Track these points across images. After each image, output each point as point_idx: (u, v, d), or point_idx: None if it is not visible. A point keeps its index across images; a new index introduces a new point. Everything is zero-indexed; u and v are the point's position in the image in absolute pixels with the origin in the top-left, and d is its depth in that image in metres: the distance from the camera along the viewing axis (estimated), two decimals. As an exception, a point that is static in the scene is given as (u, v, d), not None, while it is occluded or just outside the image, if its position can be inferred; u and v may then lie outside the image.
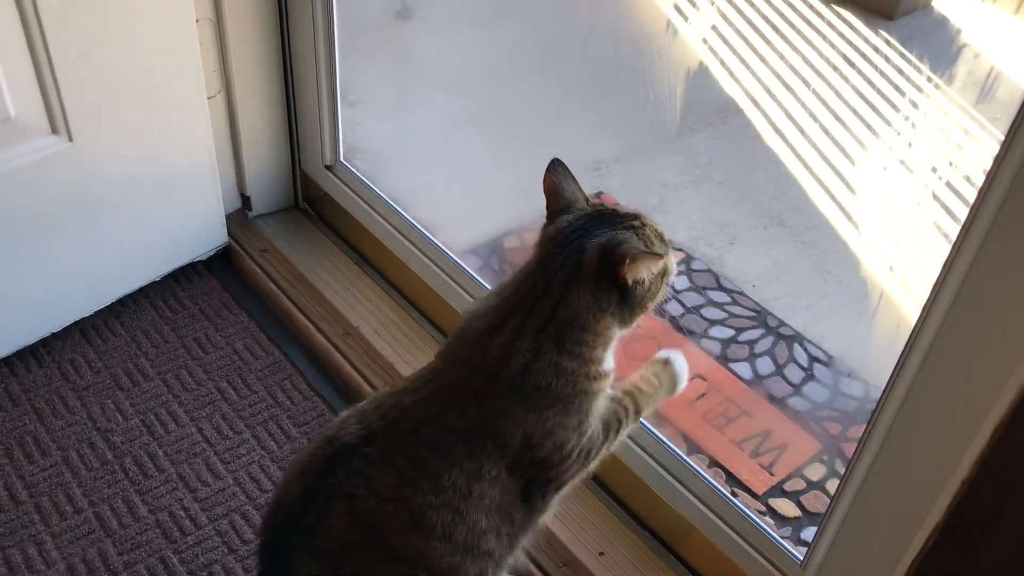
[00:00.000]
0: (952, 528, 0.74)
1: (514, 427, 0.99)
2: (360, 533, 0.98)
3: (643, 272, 0.98)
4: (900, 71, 2.68)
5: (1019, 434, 0.69)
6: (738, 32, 2.88)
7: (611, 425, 1.08)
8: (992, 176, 0.80)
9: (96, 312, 1.65)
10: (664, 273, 1.03)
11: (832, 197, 2.29)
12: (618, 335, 1.03)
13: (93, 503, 1.40)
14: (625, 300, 0.99)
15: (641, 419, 1.15)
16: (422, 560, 0.99)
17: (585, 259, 0.97)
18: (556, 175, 1.03)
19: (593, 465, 1.09)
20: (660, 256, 0.98)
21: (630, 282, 0.97)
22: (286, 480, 1.05)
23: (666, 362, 1.17)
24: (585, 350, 0.99)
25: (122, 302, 1.69)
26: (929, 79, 2.65)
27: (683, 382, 1.17)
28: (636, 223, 1.01)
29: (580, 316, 0.98)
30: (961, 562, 0.74)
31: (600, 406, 1.05)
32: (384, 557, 0.98)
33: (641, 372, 1.16)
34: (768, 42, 2.84)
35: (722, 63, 2.70)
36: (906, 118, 2.53)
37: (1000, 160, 0.80)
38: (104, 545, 1.35)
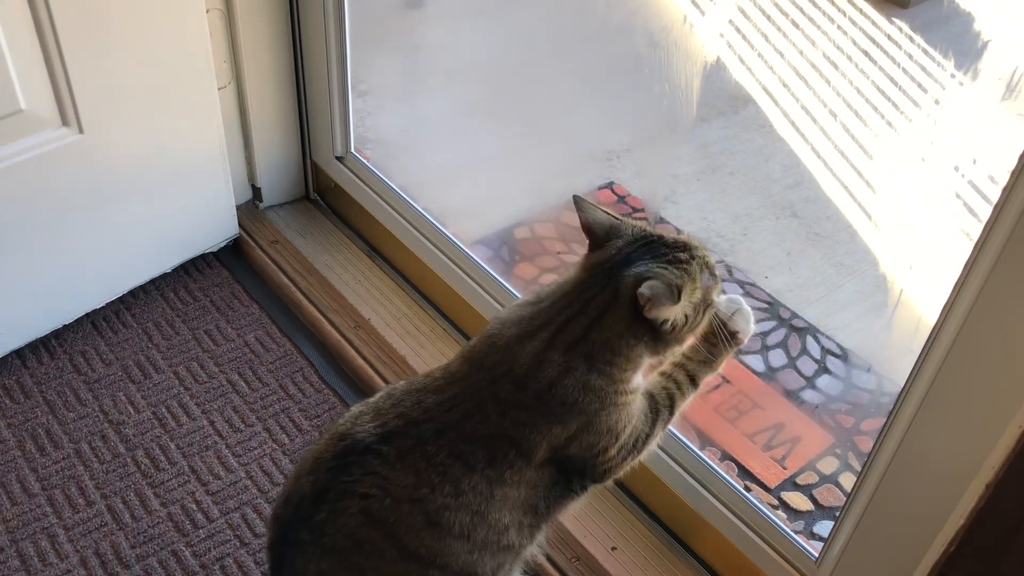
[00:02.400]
0: (975, 533, 0.73)
1: (538, 437, 0.99)
2: (373, 531, 0.97)
3: (665, 313, 0.96)
4: (912, 58, 2.65)
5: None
6: (754, 25, 2.85)
7: (661, 404, 1.07)
8: (1017, 174, 0.79)
9: (107, 304, 1.65)
10: (705, 306, 1.00)
11: (846, 188, 2.27)
12: (649, 362, 1.02)
13: (105, 496, 1.40)
14: (657, 334, 0.98)
15: (699, 387, 1.11)
16: (438, 559, 0.98)
17: (621, 289, 0.96)
18: (586, 214, 1.02)
19: (648, 449, 1.08)
20: (675, 303, 0.95)
21: (657, 321, 0.96)
22: (296, 475, 1.05)
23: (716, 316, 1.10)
24: (615, 371, 0.99)
25: (133, 294, 1.69)
26: (950, 72, 2.62)
27: (748, 331, 1.11)
28: (682, 255, 0.98)
29: (613, 342, 0.97)
30: (983, 568, 0.73)
31: (636, 407, 1.04)
32: (397, 555, 0.98)
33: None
34: (781, 31, 2.81)
35: (738, 57, 2.68)
36: (927, 114, 2.50)
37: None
38: (117, 538, 1.35)
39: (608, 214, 1.03)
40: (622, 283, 0.96)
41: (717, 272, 1.03)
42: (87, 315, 1.63)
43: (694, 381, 1.10)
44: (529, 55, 2.72)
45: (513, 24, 2.82)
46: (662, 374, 1.09)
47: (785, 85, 2.60)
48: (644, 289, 0.92)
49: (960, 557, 0.74)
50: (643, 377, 1.04)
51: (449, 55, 2.70)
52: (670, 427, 1.33)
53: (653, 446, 1.09)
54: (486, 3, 2.90)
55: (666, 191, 2.23)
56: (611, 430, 1.01)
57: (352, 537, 0.98)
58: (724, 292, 1.10)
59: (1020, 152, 0.78)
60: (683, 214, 2.16)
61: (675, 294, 0.94)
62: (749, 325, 1.11)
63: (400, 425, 1.00)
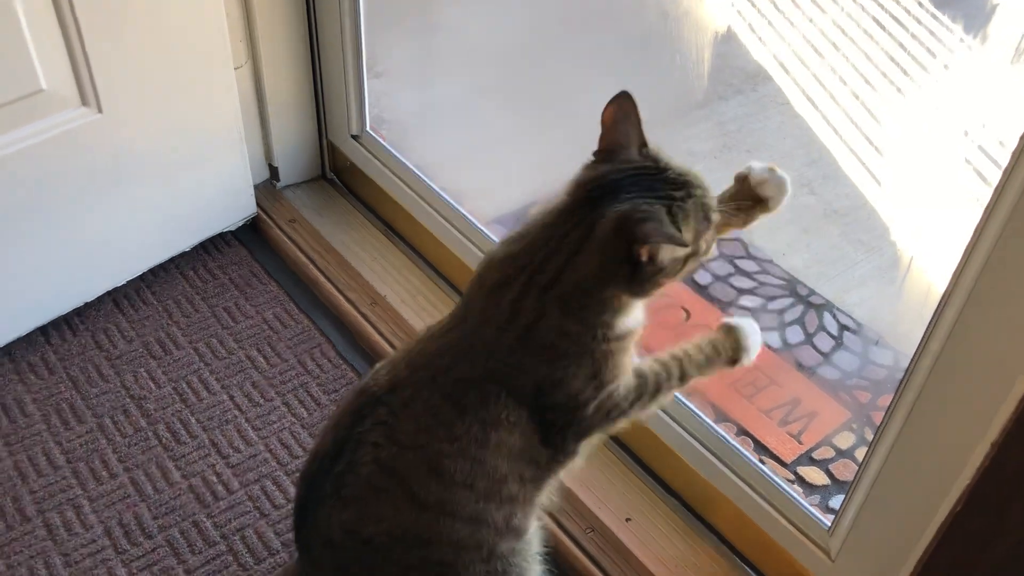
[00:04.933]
0: (981, 492, 0.73)
1: (525, 378, 0.97)
2: (387, 480, 0.99)
3: (663, 255, 0.90)
4: (921, 23, 2.61)
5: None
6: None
7: (646, 387, 1.04)
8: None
9: (128, 282, 1.68)
10: (694, 254, 0.94)
11: (863, 164, 2.26)
12: (631, 305, 0.97)
13: (128, 468, 1.43)
14: (635, 276, 0.91)
15: (685, 386, 1.08)
16: (447, 506, 0.99)
17: (598, 226, 0.89)
18: (619, 110, 0.93)
19: (622, 423, 1.05)
20: (684, 246, 0.89)
21: (644, 260, 0.89)
22: (321, 434, 1.07)
23: (730, 330, 1.09)
24: (590, 315, 0.95)
25: (153, 272, 1.71)
26: (959, 37, 2.58)
27: (752, 352, 1.08)
28: (679, 193, 0.90)
29: (585, 282, 0.92)
30: (990, 526, 0.74)
31: (621, 362, 1.00)
32: (411, 505, 1.00)
33: (699, 338, 1.08)
34: (795, 2, 2.79)
35: (751, 28, 2.66)
36: (936, 80, 2.47)
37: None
38: (139, 509, 1.38)
39: (639, 133, 0.94)
40: (599, 220, 0.89)
41: (715, 216, 0.94)
42: (108, 293, 1.66)
43: (684, 379, 1.06)
44: (544, 35, 2.72)
45: (529, 4, 2.82)
46: (659, 360, 1.05)
47: (800, 60, 2.58)
48: (646, 231, 0.86)
49: (967, 515, 0.74)
50: (638, 319, 0.99)
51: (465, 36, 2.70)
52: (684, 400, 1.34)
53: (618, 427, 1.05)
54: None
55: (683, 168, 2.22)
56: (595, 377, 0.98)
57: (368, 487, 0.99)
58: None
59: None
60: (700, 192, 2.15)
61: (678, 236, 0.88)
62: (754, 351, 1.08)
63: (406, 374, 1.01)
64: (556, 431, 1.02)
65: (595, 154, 0.96)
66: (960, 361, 0.91)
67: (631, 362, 1.03)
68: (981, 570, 0.76)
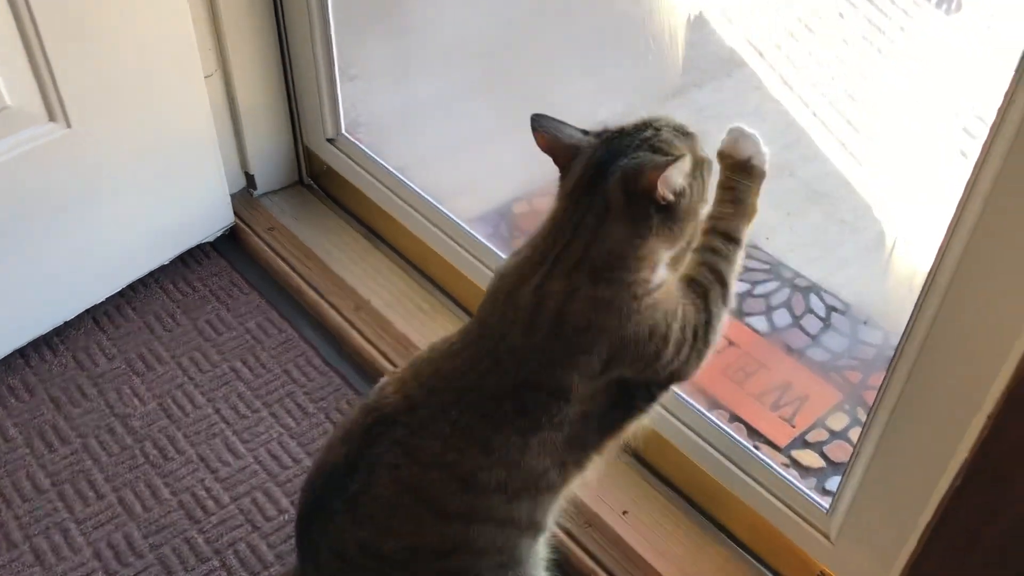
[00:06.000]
0: (981, 465, 0.72)
1: (565, 374, 0.94)
2: (408, 499, 0.98)
3: (679, 179, 0.89)
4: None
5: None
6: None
7: (708, 282, 0.97)
8: (1004, 110, 0.78)
9: (107, 299, 1.65)
10: (700, 166, 0.93)
11: (841, 143, 2.25)
12: (668, 255, 0.94)
13: (115, 488, 1.40)
14: (672, 216, 0.91)
15: (743, 242, 1.00)
16: (479, 513, 0.98)
17: (610, 192, 0.90)
18: (546, 130, 0.96)
19: (716, 333, 0.98)
20: (682, 156, 0.89)
21: (671, 198, 0.89)
22: (328, 445, 1.06)
23: (722, 155, 1.01)
24: (626, 275, 0.91)
25: (133, 287, 1.68)
26: (934, 2, 2.57)
27: (758, 153, 1.00)
28: (647, 133, 0.93)
29: (617, 248, 0.91)
30: (992, 498, 0.73)
31: (672, 300, 0.95)
32: (437, 518, 0.98)
33: (713, 196, 1.01)
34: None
35: (722, 11, 2.65)
36: (913, 47, 2.46)
37: (1010, 96, 0.77)
38: (129, 528, 1.35)
39: (573, 129, 0.96)
40: (609, 187, 0.90)
41: (691, 130, 0.95)
42: (88, 311, 1.63)
43: (734, 239, 0.99)
44: (518, 30, 2.70)
45: (503, 1, 2.80)
46: (695, 251, 0.99)
47: (772, 42, 2.57)
48: (648, 171, 0.86)
49: (968, 489, 0.74)
50: (669, 271, 0.96)
51: (438, 36, 2.68)
52: (675, 388, 1.32)
53: (720, 327, 0.99)
54: (474, -20, 2.88)
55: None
56: (653, 335, 0.93)
57: (388, 506, 0.98)
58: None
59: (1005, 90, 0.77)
60: (680, 180, 2.14)
61: (674, 155, 0.88)
62: (759, 146, 1.01)
63: (422, 394, 0.99)
64: (640, 389, 0.98)
65: (561, 171, 0.97)
66: (951, 335, 0.90)
67: (676, 292, 0.97)
68: (986, 543, 0.75)
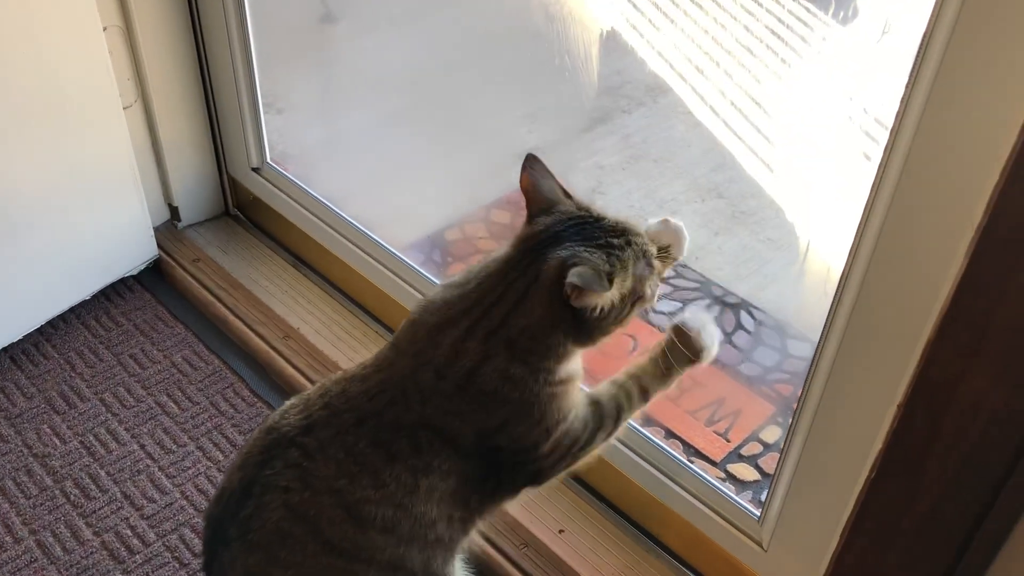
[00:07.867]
0: (892, 456, 0.74)
1: (462, 425, 0.95)
2: (296, 526, 0.95)
3: (595, 302, 0.89)
4: (791, 11, 2.67)
5: (943, 358, 0.69)
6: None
7: (604, 412, 1.02)
8: (901, 115, 0.80)
9: (25, 336, 1.60)
10: (635, 299, 0.94)
11: (756, 155, 2.30)
12: (577, 354, 0.97)
13: (34, 531, 1.35)
14: (584, 322, 0.92)
15: (649, 402, 1.06)
16: (362, 553, 0.96)
17: (542, 272, 0.90)
18: (533, 173, 0.95)
19: (587, 455, 1.02)
20: (604, 292, 0.88)
21: (586, 312, 0.90)
22: (228, 472, 1.03)
23: (680, 331, 1.04)
24: (535, 360, 0.94)
25: (52, 324, 1.63)
26: (831, 14, 2.63)
27: (711, 347, 1.04)
28: (616, 240, 0.92)
29: (533, 329, 0.92)
30: (906, 488, 0.74)
31: (566, 403, 0.98)
32: (321, 549, 0.95)
33: (653, 348, 1.06)
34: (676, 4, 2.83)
35: (631, 25, 2.69)
36: (813, 58, 2.52)
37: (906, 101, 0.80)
38: (48, 573, 1.30)
39: (560, 187, 0.96)
40: (543, 265, 0.90)
41: (656, 263, 0.95)
42: (4, 349, 1.58)
43: (645, 395, 1.04)
44: (446, 61, 2.72)
45: (427, 31, 2.82)
46: (614, 382, 1.04)
47: (693, 65, 2.62)
48: (572, 277, 0.86)
49: (881, 480, 0.75)
50: (578, 365, 0.99)
51: (366, 67, 2.69)
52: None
53: (590, 455, 1.03)
54: (398, 13, 2.90)
55: (592, 183, 2.24)
56: (542, 422, 0.96)
57: (276, 531, 0.95)
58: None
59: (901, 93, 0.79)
60: (611, 204, 2.17)
61: (604, 281, 0.88)
62: (714, 345, 1.04)
63: (324, 416, 0.97)
64: (506, 470, 0.99)
65: (528, 217, 0.96)
66: (865, 333, 0.92)
67: (579, 396, 1.01)
68: (904, 533, 0.76)
